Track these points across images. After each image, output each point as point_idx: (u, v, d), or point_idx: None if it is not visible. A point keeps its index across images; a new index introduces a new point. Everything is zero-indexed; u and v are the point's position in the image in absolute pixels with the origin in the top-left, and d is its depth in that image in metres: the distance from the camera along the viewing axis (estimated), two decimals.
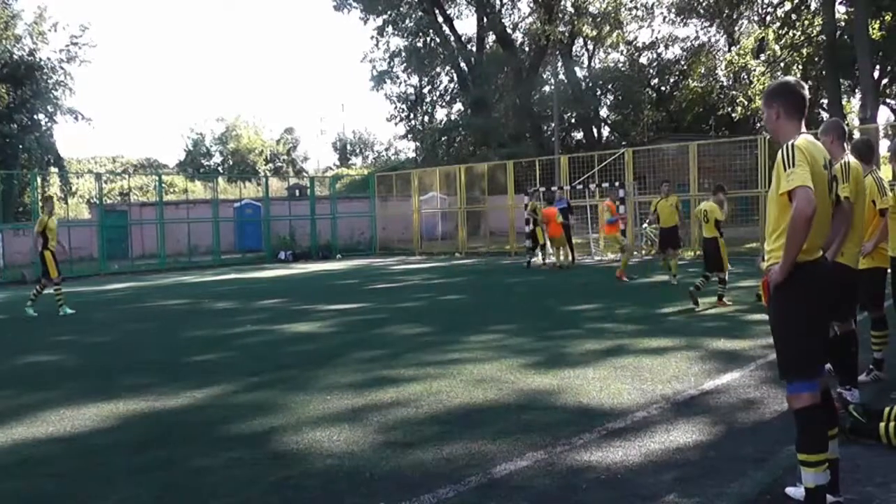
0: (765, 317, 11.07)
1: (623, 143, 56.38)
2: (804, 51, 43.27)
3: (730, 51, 56.79)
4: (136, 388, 9.04)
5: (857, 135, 24.96)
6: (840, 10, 40.39)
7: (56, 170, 53.79)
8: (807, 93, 4.86)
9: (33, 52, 51.48)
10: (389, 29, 60.97)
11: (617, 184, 28.53)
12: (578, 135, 69.85)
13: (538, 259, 27.37)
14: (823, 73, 42.13)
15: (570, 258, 26.64)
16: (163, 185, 42.92)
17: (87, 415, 7.92)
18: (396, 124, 69.21)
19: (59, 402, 8.53)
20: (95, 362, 11.16)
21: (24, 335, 14.61)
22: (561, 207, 27.13)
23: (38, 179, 44.13)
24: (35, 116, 52.31)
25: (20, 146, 49.00)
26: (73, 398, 8.67)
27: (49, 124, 53.75)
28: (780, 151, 4.62)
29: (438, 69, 64.82)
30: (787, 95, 4.86)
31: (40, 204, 29.89)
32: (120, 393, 8.81)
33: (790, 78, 5.04)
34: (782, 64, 44.77)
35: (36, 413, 8.06)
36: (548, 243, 26.44)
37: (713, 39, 64.26)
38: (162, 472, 6.07)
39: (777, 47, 44.54)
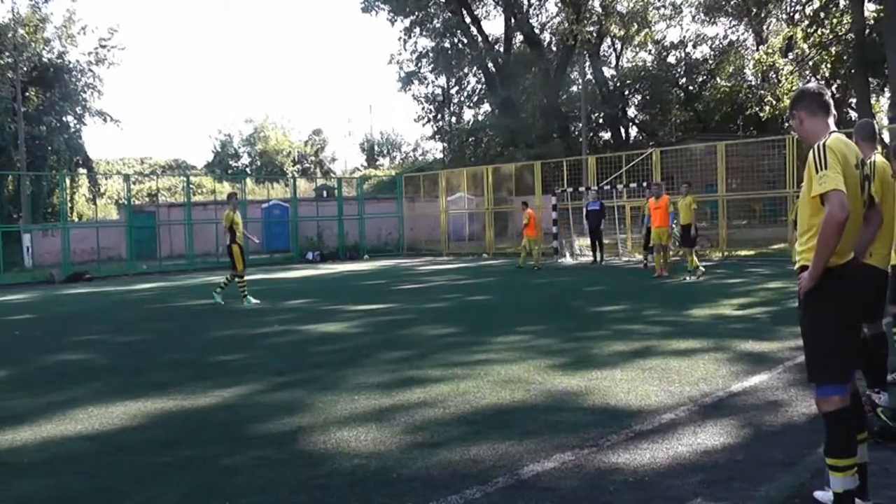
0: (792, 318, 11.03)
1: (651, 143, 56.23)
2: (833, 49, 42.90)
3: (758, 50, 56.36)
4: (164, 386, 9.08)
5: (886, 135, 24.74)
6: (869, 8, 39.98)
7: (85, 171, 54.14)
8: (826, 92, 4.82)
9: (62, 54, 51.80)
10: (417, 30, 60.96)
11: (645, 184, 28.42)
12: (606, 135, 69.68)
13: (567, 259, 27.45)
14: (852, 71, 41.87)
15: (598, 258, 26.99)
16: (191, 185, 43.20)
17: (116, 413, 7.96)
18: (424, 125, 69.38)
19: (87, 400, 8.57)
20: (123, 361, 11.22)
21: (53, 334, 14.69)
22: (593, 209, 27.14)
23: (67, 181, 44.43)
24: (64, 118, 52.64)
25: (49, 148, 49.29)
26: (101, 396, 8.71)
27: (78, 126, 54.09)
28: (810, 152, 4.57)
29: (466, 70, 64.78)
30: (805, 99, 4.85)
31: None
32: (148, 391, 8.85)
33: (809, 84, 5.02)
34: (811, 63, 44.48)
35: (64, 411, 8.10)
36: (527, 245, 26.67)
37: (741, 38, 64.10)
38: (190, 471, 6.08)
39: (805, 46, 44.13)
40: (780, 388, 7.94)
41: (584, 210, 28.47)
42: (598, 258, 27.76)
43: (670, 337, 11.22)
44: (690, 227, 20.56)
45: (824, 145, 4.52)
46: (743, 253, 28.20)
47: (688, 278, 19.27)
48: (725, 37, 64.48)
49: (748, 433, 6.47)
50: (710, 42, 65.72)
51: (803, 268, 4.64)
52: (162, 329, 14.83)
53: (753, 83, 59.22)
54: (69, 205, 46.24)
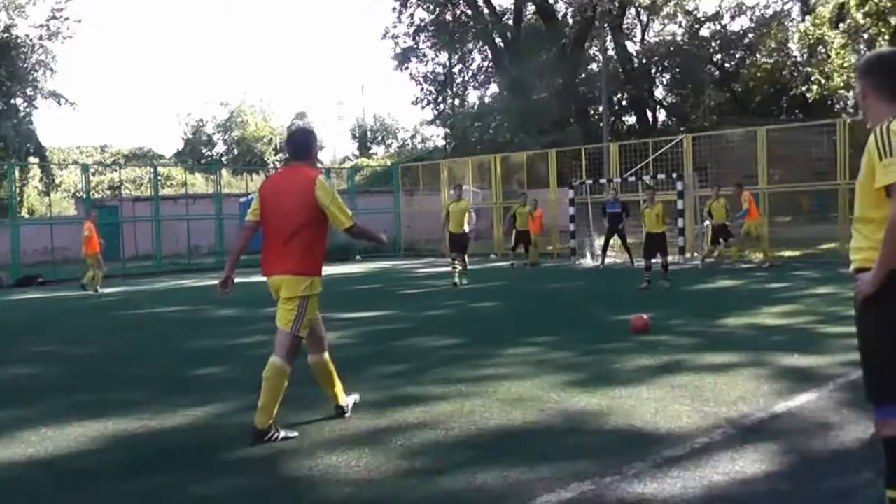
0: (844, 328, 11.03)
1: (681, 128, 56.17)
2: (892, 20, 42.77)
3: (804, 20, 56.36)
4: (129, 405, 9.07)
5: None
6: None
7: (37, 160, 54.14)
8: None
9: (9, 27, 51.78)
10: (414, 0, 61.02)
11: (675, 175, 28.45)
12: (630, 119, 69.78)
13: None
14: None
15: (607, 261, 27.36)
16: (159, 177, 43.17)
17: (72, 435, 7.95)
18: (423, 108, 69.28)
19: (39, 419, 8.55)
20: (82, 376, 11.24)
21: (1, 345, 14.72)
22: (613, 211, 27.19)
23: (16, 171, 44.35)
24: (12, 100, 52.67)
25: None
26: (55, 416, 8.69)
27: (28, 109, 54.15)
28: (871, 135, 4.46)
29: (470, 45, 64.88)
30: (875, 71, 4.66)
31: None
32: (110, 410, 8.82)
33: (884, 49, 4.90)
34: (865, 35, 44.33)
35: (12, 432, 8.09)
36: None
37: (785, 8, 63.87)
38: (157, 501, 6.10)
39: (859, 15, 43.97)
40: (829, 408, 7.93)
41: (604, 211, 28.58)
42: (630, 260, 27.94)
43: (703, 350, 11.23)
44: (726, 226, 20.89)
45: (888, 128, 4.37)
46: (787, 253, 28.23)
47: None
48: (767, 6, 64.31)
49: (793, 461, 6.46)
50: (749, 13, 65.63)
51: (860, 269, 4.56)
52: (126, 339, 14.86)
53: (799, 59, 59.12)
54: (18, 199, 46.22)
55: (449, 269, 23.83)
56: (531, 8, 63.84)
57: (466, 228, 23.04)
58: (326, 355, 8.05)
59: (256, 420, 7.38)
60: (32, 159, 53.52)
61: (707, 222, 27.39)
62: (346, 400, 8.17)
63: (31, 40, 52.16)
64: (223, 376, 10.83)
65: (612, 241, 28.30)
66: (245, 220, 8.09)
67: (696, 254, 27.79)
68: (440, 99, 66.97)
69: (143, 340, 14.73)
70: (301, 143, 7.96)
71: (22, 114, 53.09)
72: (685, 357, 10.72)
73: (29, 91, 53.15)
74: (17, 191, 45.26)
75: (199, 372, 11.17)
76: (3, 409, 9.18)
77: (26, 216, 49.14)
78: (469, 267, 23.92)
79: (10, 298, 25.06)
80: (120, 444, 7.61)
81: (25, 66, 51.96)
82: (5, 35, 51.14)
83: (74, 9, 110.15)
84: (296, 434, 7.51)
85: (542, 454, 6.74)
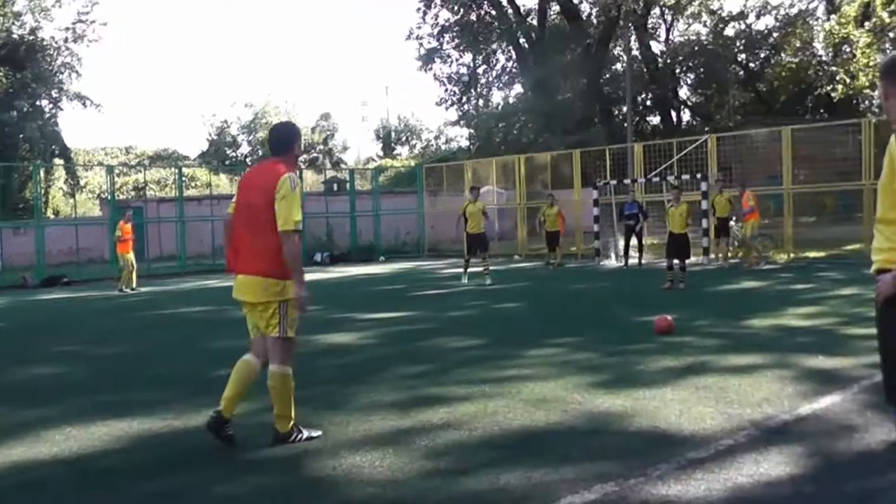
0: (868, 330, 10.97)
1: (706, 128, 55.99)
2: None
3: (829, 19, 56.04)
4: (153, 404, 9.11)
5: None
6: None
7: (62, 161, 54.36)
8: None
9: (35, 30, 52.02)
10: (438, 0, 60.98)
11: (699, 175, 28.40)
12: (654, 119, 69.56)
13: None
14: None
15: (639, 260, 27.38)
16: (183, 178, 43.28)
17: (97, 434, 7.99)
18: (447, 109, 68.96)
19: (64, 419, 8.59)
20: (106, 376, 11.31)
21: (26, 345, 14.83)
22: (631, 213, 27.22)
23: (41, 172, 44.53)
24: (37, 102, 52.91)
25: (20, 135, 49.46)
26: (80, 415, 8.74)
27: (53, 111, 54.39)
28: (893, 136, 4.44)
29: (494, 46, 64.72)
30: (893, 72, 4.60)
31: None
32: (134, 410, 8.87)
33: None
34: (891, 34, 44.10)
35: (38, 432, 8.13)
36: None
37: (810, 6, 63.49)
38: (182, 500, 6.12)
39: (885, 14, 43.73)
40: (854, 410, 7.89)
41: (621, 212, 28.63)
42: (639, 260, 28.06)
43: (727, 351, 11.19)
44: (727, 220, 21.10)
45: None
46: (812, 254, 28.10)
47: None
48: (792, 5, 63.87)
49: (818, 463, 6.43)
50: (774, 12, 65.27)
51: (882, 270, 4.54)
52: (150, 339, 14.93)
53: (824, 58, 58.83)
54: (44, 199, 46.42)
55: (460, 269, 24.19)
56: (556, 8, 63.71)
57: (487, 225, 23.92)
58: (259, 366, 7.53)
59: (277, 426, 7.36)
60: (57, 161, 53.72)
61: (731, 223, 27.34)
62: (229, 413, 7.40)
63: (56, 43, 52.38)
64: None
65: (632, 242, 28.35)
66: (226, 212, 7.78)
67: (720, 254, 27.68)
68: (464, 99, 66.85)
69: (168, 340, 14.78)
70: (280, 138, 7.63)
71: (47, 115, 53.30)
72: (709, 358, 10.69)
73: (54, 93, 53.37)
74: (42, 192, 45.49)
75: (222, 372, 11.12)
76: (28, 409, 9.23)
77: (51, 217, 49.38)
78: (492, 268, 23.99)
79: (35, 298, 25.19)
80: (144, 444, 7.63)
81: (51, 68, 52.17)
82: (31, 37, 51.38)
83: (100, 12, 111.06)
84: (319, 433, 7.51)
85: (566, 455, 6.73)
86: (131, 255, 26.65)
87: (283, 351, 7.32)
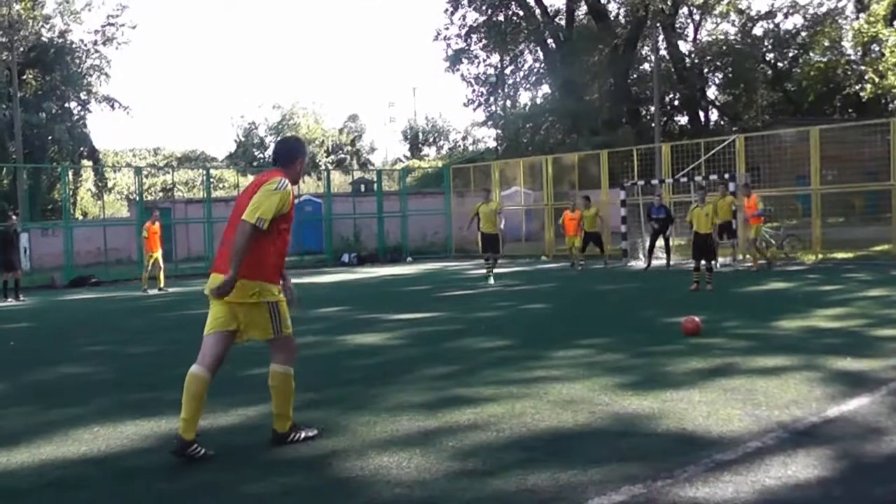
0: None
1: (734, 128, 55.81)
2: None
3: (858, 18, 55.73)
4: (180, 404, 9.11)
5: None
6: None
7: (90, 163, 54.67)
8: None
9: (64, 33, 52.41)
10: (465, 1, 60.99)
11: (727, 175, 28.32)
12: (682, 119, 69.37)
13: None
14: None
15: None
16: (211, 179, 43.42)
17: (125, 433, 8.05)
18: (474, 110, 69.07)
19: (92, 418, 8.66)
20: (134, 375, 11.38)
21: (54, 345, 14.93)
22: (658, 217, 27.16)
23: (70, 174, 44.81)
24: (66, 104, 53.26)
25: (49, 137, 49.75)
26: (108, 415, 8.81)
27: (82, 113, 54.81)
28: None
29: (522, 46, 64.77)
30: None
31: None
32: (161, 409, 8.92)
33: None
34: None
35: (66, 431, 8.19)
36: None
37: (839, 5, 63.12)
38: (209, 499, 6.15)
39: None
40: (883, 413, 7.85)
41: (648, 215, 28.61)
42: (667, 262, 28.01)
43: (755, 352, 11.14)
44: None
45: None
46: (840, 255, 27.96)
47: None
48: (821, 4, 63.47)
49: (846, 465, 6.40)
50: (802, 11, 64.90)
51: None
52: (177, 339, 14.97)
53: (853, 57, 58.49)
54: (72, 200, 46.70)
55: (483, 270, 24.35)
56: (584, 8, 63.64)
57: (502, 226, 24.32)
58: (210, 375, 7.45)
59: (276, 426, 7.43)
60: (86, 162, 54.05)
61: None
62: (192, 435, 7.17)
63: (85, 45, 52.69)
64: None
65: (658, 243, 28.29)
66: None
67: (747, 255, 27.58)
68: (491, 100, 66.86)
69: (195, 340, 14.77)
70: (283, 151, 7.68)
71: (76, 117, 53.65)
72: (737, 360, 10.65)
73: (83, 95, 53.72)
74: (71, 193, 45.79)
75: (249, 372, 11.22)
76: (56, 408, 9.31)
77: (80, 218, 49.67)
78: (518, 269, 24.05)
79: (63, 299, 25.36)
80: (172, 443, 7.60)
81: (80, 70, 52.48)
82: (60, 40, 51.71)
83: (129, 15, 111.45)
84: (316, 431, 7.59)
85: (594, 457, 6.72)
86: (159, 255, 26.76)
87: (285, 351, 7.49)
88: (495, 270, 24.69)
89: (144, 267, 26.99)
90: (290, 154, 7.62)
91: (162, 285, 26.78)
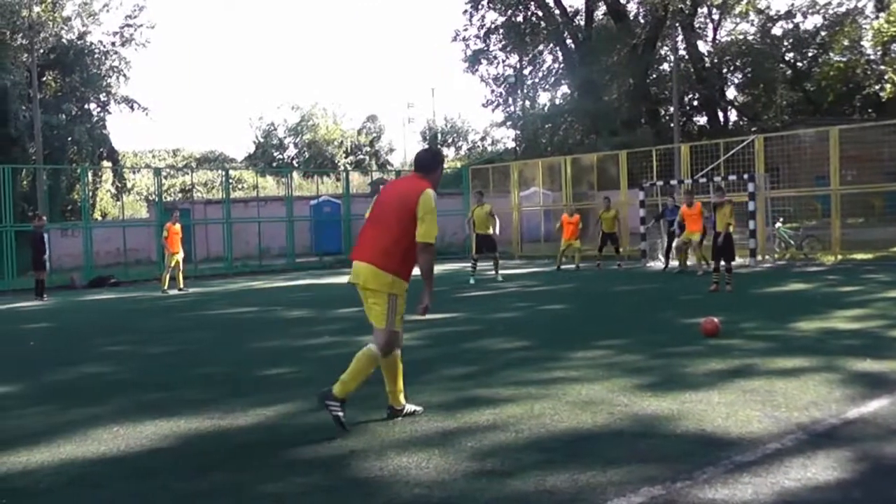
0: None
1: (753, 128, 55.68)
2: None
3: (877, 18, 55.55)
4: (199, 404, 9.18)
5: None
6: None
7: (109, 164, 54.82)
8: None
9: (83, 34, 52.57)
10: (485, 2, 60.99)
11: (746, 176, 28.26)
12: (701, 120, 69.25)
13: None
14: None
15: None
16: (230, 180, 43.56)
17: (144, 433, 8.05)
18: (493, 110, 68.98)
19: (111, 418, 8.68)
20: (153, 375, 11.40)
21: (73, 344, 15.00)
22: (672, 218, 27.15)
23: (89, 175, 44.94)
24: (85, 106, 53.47)
25: (69, 138, 49.93)
26: (127, 414, 8.82)
27: (101, 114, 54.95)
28: None
29: (541, 47, 64.75)
30: None
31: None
32: (181, 409, 8.94)
33: None
34: None
35: (86, 430, 8.21)
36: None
37: (859, 5, 62.92)
38: (228, 499, 6.15)
39: None
40: None
41: (662, 216, 28.58)
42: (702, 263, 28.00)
43: (774, 354, 11.11)
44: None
45: None
46: (859, 256, 27.87)
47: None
48: (840, 4, 63.25)
49: (866, 467, 6.38)
50: (822, 10, 64.68)
51: None
52: (196, 339, 15.05)
53: (872, 57, 58.33)
54: (91, 201, 46.85)
55: (503, 271, 25.08)
56: (602, 8, 63.57)
57: (496, 231, 25.45)
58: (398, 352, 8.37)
59: (335, 387, 7.85)
60: (105, 163, 54.20)
61: (778, 224, 27.21)
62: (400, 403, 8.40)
63: (104, 47, 52.86)
64: (293, 377, 10.91)
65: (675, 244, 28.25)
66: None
67: (766, 256, 27.52)
68: (510, 101, 66.79)
69: (214, 340, 14.88)
70: (426, 160, 8.40)
71: (95, 119, 53.80)
72: (756, 361, 10.61)
73: (102, 96, 53.90)
74: (90, 194, 45.92)
75: (268, 372, 11.25)
76: (76, 408, 9.34)
77: (99, 219, 49.86)
78: (538, 269, 24.11)
79: (83, 299, 25.46)
80: (191, 443, 7.69)
81: (99, 71, 52.65)
82: (80, 42, 51.88)
83: (147, 15, 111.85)
84: (345, 425, 7.73)
85: (613, 458, 6.70)
86: (179, 256, 26.85)
87: (385, 340, 8.13)
88: (496, 263, 25.92)
89: (165, 267, 27.07)
90: (433, 163, 8.43)
91: (181, 286, 26.87)
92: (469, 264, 26.60)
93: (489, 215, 25.22)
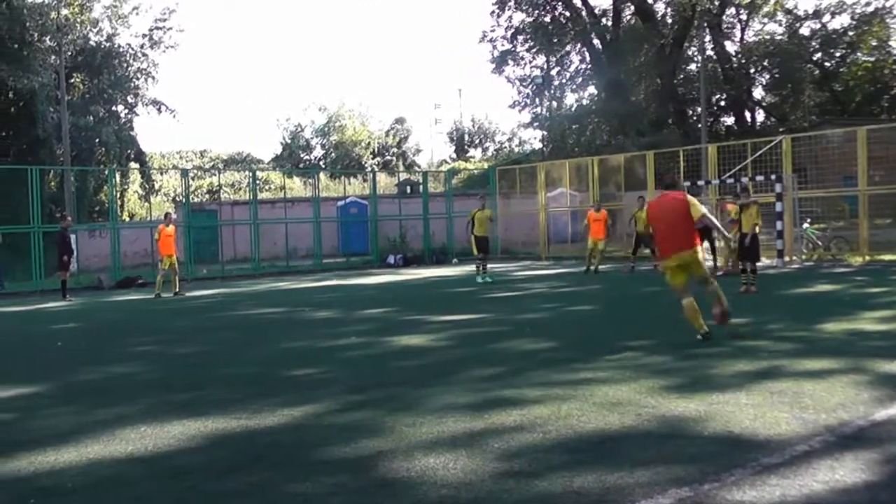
0: None
1: (780, 129, 55.42)
2: None
3: None
4: (226, 404, 9.23)
5: None
6: None
7: (137, 165, 54.99)
8: None
9: (112, 37, 52.75)
10: (512, 3, 60.95)
11: (774, 176, 28.15)
12: (728, 120, 69.00)
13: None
14: None
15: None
16: (257, 181, 43.64)
17: (172, 433, 8.10)
18: (520, 111, 68.81)
19: (139, 418, 8.73)
20: (180, 375, 11.47)
21: (101, 345, 15.10)
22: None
23: (117, 176, 45.12)
24: (113, 107, 53.69)
25: (97, 140, 50.14)
26: (155, 414, 8.87)
27: (129, 116, 55.19)
28: None
29: (568, 47, 64.62)
30: None
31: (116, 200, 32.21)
32: (208, 409, 8.99)
33: None
34: None
35: (113, 430, 8.26)
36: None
37: (887, 4, 62.47)
38: (255, 499, 6.17)
39: None
40: None
41: None
42: (714, 264, 27.89)
43: (801, 355, 11.06)
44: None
45: None
46: (887, 257, 27.72)
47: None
48: (868, 3, 62.83)
49: (894, 470, 6.35)
50: (850, 10, 64.28)
51: None
52: (223, 340, 15.12)
53: None
54: (119, 203, 47.06)
55: (473, 268, 26.88)
56: (630, 8, 63.42)
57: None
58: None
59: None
60: (133, 165, 54.40)
61: (805, 225, 27.09)
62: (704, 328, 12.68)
63: (133, 49, 53.06)
64: (319, 377, 10.94)
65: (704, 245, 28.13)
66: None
67: (794, 257, 27.41)
68: (537, 102, 66.63)
69: (241, 341, 14.93)
70: (674, 183, 13.68)
71: (123, 120, 54.04)
72: (784, 363, 10.57)
73: (130, 98, 54.13)
74: (118, 195, 46.13)
75: (295, 372, 11.28)
76: (104, 407, 9.40)
77: (126, 220, 50.07)
78: (564, 270, 24.11)
79: (110, 299, 25.60)
80: (218, 443, 7.73)
81: (127, 74, 52.88)
82: (108, 44, 52.08)
83: (177, 19, 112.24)
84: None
85: (640, 459, 6.70)
86: (174, 259, 26.81)
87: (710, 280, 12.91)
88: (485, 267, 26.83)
89: (158, 270, 26.98)
90: (678, 185, 13.83)
91: (177, 289, 26.84)
92: (473, 267, 27.42)
93: (489, 220, 26.77)
